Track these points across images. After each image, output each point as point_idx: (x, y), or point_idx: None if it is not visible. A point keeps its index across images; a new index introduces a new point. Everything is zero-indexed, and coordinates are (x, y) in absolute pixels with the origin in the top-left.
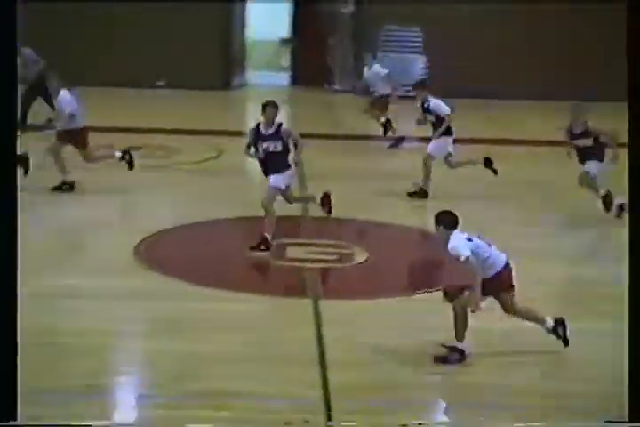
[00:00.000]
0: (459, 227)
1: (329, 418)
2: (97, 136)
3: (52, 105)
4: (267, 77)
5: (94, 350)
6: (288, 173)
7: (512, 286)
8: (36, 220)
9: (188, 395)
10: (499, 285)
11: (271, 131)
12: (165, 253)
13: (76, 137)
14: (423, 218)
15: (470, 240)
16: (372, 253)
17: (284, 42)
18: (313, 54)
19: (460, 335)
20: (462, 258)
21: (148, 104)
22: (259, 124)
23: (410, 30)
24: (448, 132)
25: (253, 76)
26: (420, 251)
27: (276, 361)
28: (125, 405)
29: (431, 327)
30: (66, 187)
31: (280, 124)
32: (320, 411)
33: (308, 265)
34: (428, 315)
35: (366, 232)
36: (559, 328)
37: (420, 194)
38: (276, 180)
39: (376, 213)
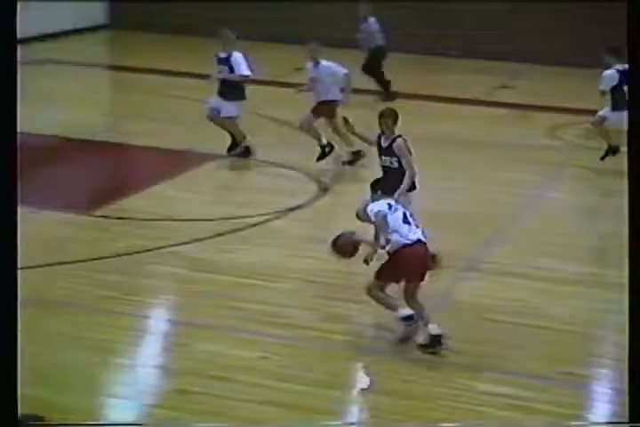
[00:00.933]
0: None
1: None
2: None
3: (379, 78)
4: None
5: (572, 338)
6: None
7: (422, 273)
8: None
9: None
10: (405, 266)
11: (386, 144)
12: None
13: (327, 108)
14: None
15: (390, 208)
16: None
17: None
18: None
19: (391, 307)
20: (374, 213)
21: None
22: (380, 134)
23: None
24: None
25: None
26: None
27: None
28: (600, 398)
29: None
30: (327, 150)
31: (395, 138)
32: None
33: None
34: None
35: None
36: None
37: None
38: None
39: None
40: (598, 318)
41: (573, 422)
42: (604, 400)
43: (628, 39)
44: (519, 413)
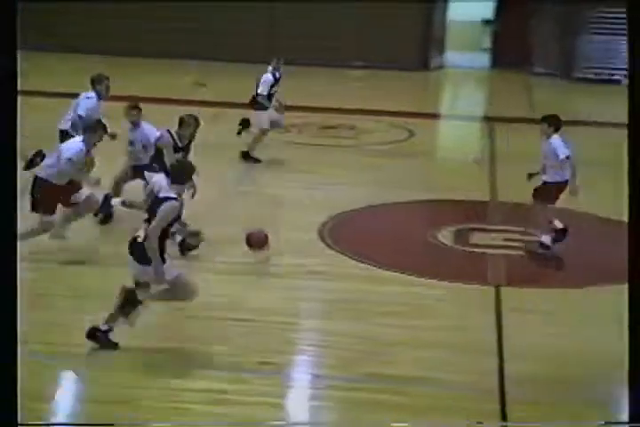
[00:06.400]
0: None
1: (502, 408)
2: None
3: None
4: (466, 59)
5: (272, 328)
6: None
7: None
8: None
9: (364, 378)
10: None
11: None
12: (349, 233)
13: None
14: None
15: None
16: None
17: (485, 23)
18: (514, 36)
19: None
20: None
21: (345, 85)
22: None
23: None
24: None
25: (452, 57)
26: (606, 241)
27: (454, 348)
28: (300, 384)
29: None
30: None
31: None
32: (494, 400)
33: (492, 251)
34: (611, 307)
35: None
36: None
37: None
38: None
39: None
40: (288, 306)
41: (570, 423)
42: (301, 386)
43: (629, 38)
44: (224, 406)
